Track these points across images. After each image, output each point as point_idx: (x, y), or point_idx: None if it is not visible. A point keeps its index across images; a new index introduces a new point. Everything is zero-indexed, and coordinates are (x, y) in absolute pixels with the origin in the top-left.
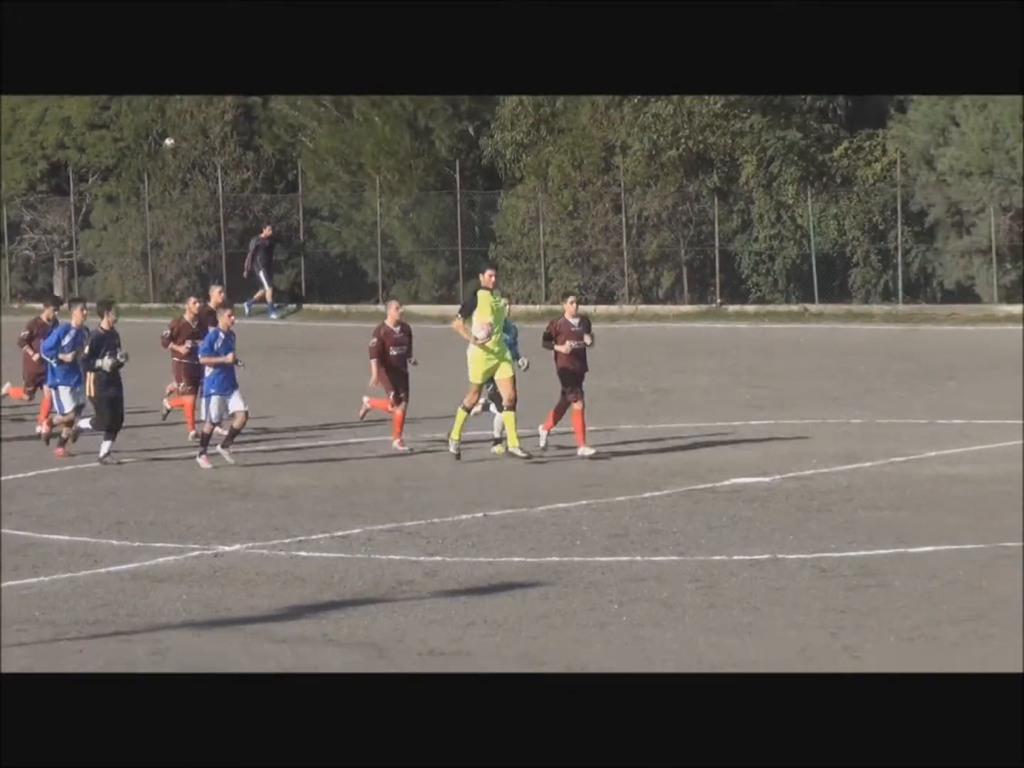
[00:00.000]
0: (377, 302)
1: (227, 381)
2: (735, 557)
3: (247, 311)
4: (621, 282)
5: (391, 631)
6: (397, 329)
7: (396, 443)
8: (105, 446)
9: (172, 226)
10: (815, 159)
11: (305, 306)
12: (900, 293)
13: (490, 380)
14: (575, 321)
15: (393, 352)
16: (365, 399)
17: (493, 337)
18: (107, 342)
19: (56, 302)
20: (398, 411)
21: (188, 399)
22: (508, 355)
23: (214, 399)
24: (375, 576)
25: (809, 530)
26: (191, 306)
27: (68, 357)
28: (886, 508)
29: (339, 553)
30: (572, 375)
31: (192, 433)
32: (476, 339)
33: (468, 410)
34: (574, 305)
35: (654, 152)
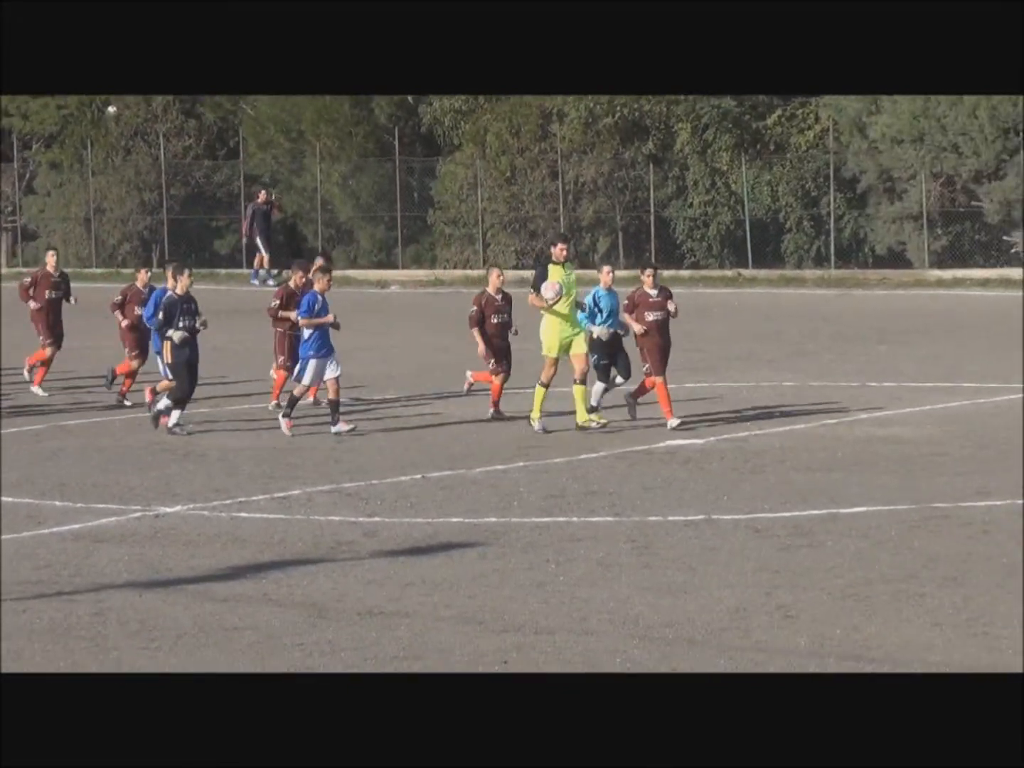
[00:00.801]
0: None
1: (325, 345)
2: (670, 518)
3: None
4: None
5: (330, 591)
6: (499, 297)
7: (492, 411)
8: (175, 415)
9: (115, 192)
10: (749, 126)
11: (245, 271)
12: (832, 258)
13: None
14: (654, 292)
15: (494, 320)
16: (468, 373)
17: (565, 308)
18: (181, 307)
19: (148, 265)
20: (496, 381)
21: (284, 374)
22: (581, 328)
23: (311, 362)
24: (315, 537)
25: (743, 491)
26: (297, 278)
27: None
28: (818, 469)
29: (279, 514)
30: (652, 350)
31: (273, 404)
32: (548, 301)
33: (546, 386)
34: (651, 277)
35: (590, 119)
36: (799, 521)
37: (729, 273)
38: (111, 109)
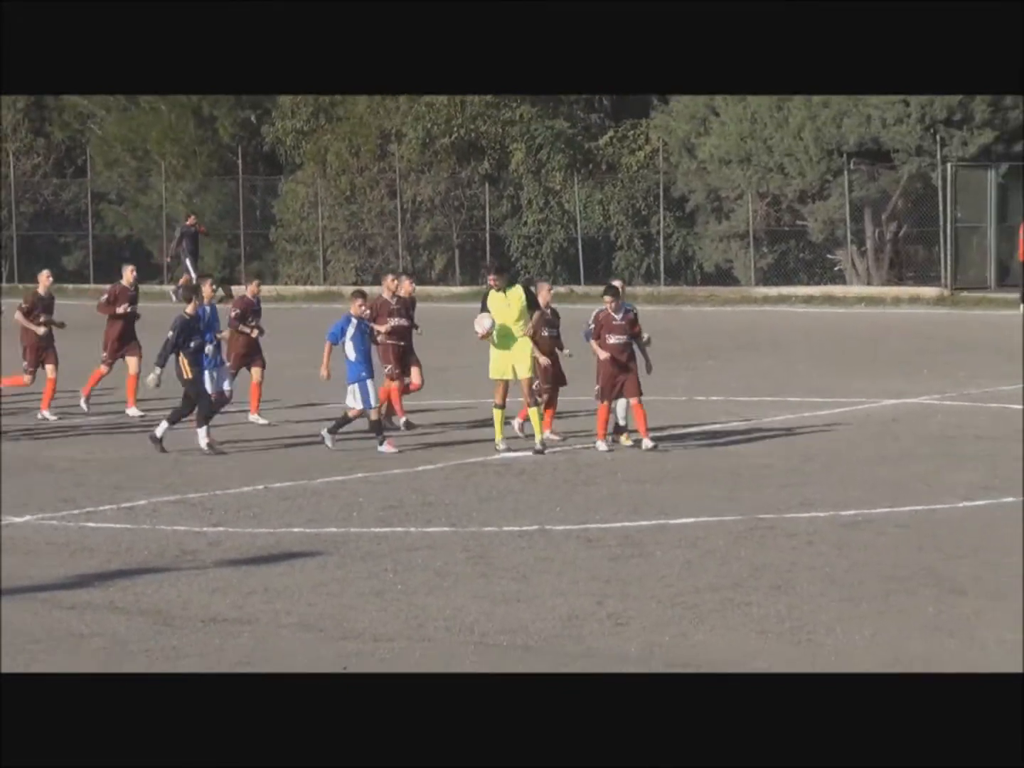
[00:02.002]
0: (161, 282)
1: (369, 366)
2: (505, 528)
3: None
4: (396, 264)
5: (175, 599)
6: (548, 311)
7: (548, 434)
8: (202, 433)
9: None
10: (582, 147)
11: (92, 286)
12: (662, 275)
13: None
14: (618, 315)
15: (544, 333)
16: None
17: (516, 330)
18: (194, 327)
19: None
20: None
21: (395, 384)
22: (528, 352)
23: (368, 383)
24: (160, 546)
25: (575, 502)
26: (390, 284)
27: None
28: (648, 481)
29: (126, 524)
30: (606, 375)
31: (403, 420)
32: (477, 334)
33: (500, 407)
34: (613, 301)
35: (428, 140)
36: (629, 531)
37: (562, 290)
38: None
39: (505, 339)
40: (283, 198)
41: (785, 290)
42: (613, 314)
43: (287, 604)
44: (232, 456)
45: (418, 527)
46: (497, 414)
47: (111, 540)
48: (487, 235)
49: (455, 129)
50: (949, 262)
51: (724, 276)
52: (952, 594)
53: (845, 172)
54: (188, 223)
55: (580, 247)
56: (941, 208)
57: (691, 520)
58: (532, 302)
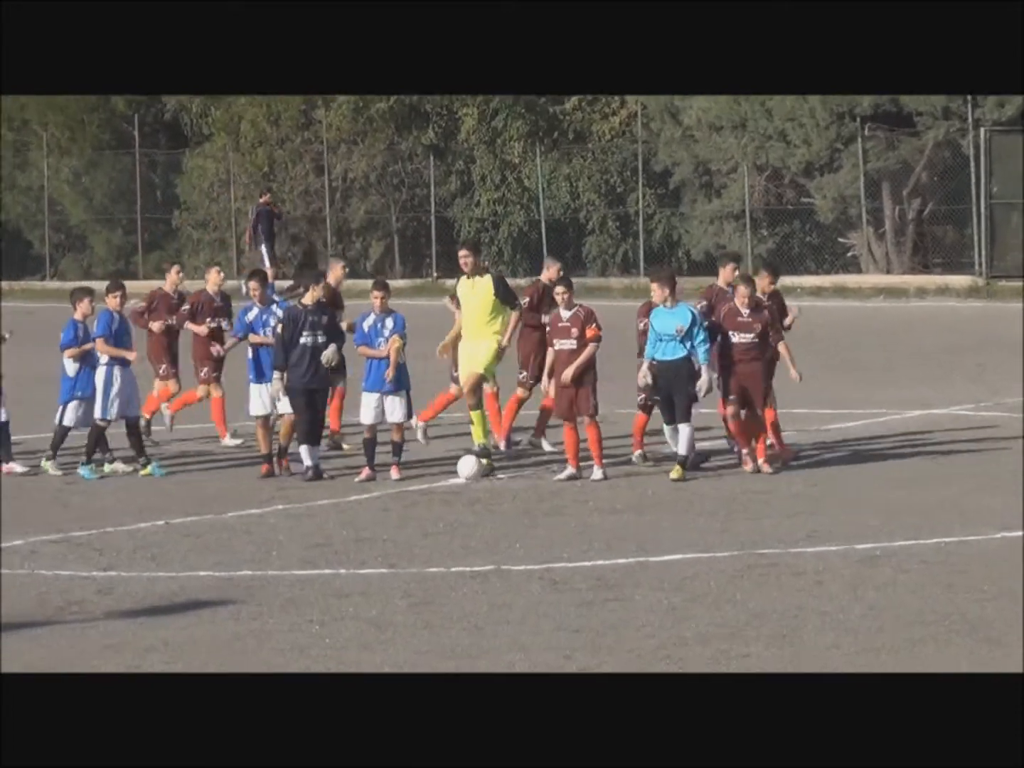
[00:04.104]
0: (44, 277)
1: (376, 377)
2: (454, 569)
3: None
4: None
5: (58, 658)
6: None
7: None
8: (307, 454)
9: None
10: (545, 112)
11: None
12: (641, 264)
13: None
14: (746, 312)
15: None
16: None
17: (468, 324)
18: (306, 320)
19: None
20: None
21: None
22: (486, 353)
23: (363, 396)
24: (40, 595)
25: (538, 537)
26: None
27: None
28: (625, 511)
29: None
30: (740, 383)
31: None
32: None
33: (474, 407)
34: (747, 285)
35: (360, 105)
36: (603, 572)
37: (522, 282)
38: None
39: (464, 335)
40: (188, 175)
41: (789, 280)
42: (740, 308)
43: (193, 663)
44: (126, 485)
45: (349, 569)
46: (475, 415)
47: None
48: (432, 218)
49: None
50: (983, 246)
51: (716, 264)
52: (987, 643)
53: (859, 139)
54: (262, 201)
55: (543, 231)
56: (973, 181)
57: (677, 557)
58: (507, 297)
